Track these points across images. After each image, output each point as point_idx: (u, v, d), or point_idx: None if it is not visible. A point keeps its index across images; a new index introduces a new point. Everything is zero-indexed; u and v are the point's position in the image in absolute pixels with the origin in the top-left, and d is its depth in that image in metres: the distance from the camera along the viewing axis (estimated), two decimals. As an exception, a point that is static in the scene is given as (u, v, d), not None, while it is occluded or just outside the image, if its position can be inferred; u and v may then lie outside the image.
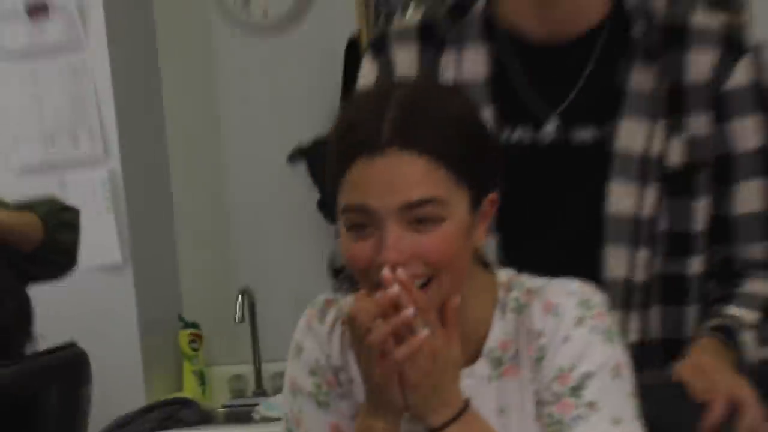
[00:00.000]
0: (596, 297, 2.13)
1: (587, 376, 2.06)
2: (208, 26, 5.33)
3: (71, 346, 4.02)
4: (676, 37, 2.48)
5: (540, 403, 2.11)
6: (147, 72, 5.38)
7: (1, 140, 5.07)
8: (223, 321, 5.28)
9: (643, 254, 2.48)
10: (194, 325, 5.15)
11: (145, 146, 5.33)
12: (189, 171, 5.41)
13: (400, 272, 1.94)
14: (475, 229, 2.09)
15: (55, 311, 4.35)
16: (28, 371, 4.00)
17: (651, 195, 2.48)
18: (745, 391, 2.26)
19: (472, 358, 2.14)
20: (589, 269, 2.39)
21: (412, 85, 2.26)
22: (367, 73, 2.60)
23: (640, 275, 2.48)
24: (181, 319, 5.21)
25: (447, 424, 1.98)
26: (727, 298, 2.50)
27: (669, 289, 2.52)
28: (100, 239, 4.86)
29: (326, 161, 2.12)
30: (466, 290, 2.13)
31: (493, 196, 2.12)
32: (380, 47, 2.59)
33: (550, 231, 2.52)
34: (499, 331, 2.13)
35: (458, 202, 2.07)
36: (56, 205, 4.20)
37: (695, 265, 2.50)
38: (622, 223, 2.49)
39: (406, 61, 2.52)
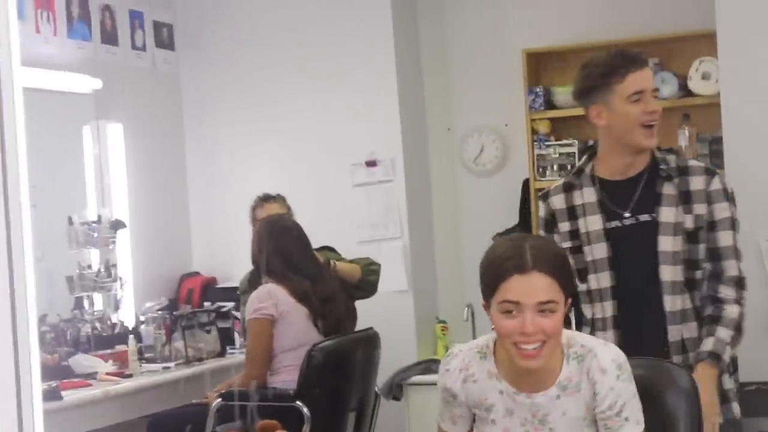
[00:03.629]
0: (624, 360, 2.81)
1: (623, 406, 2.79)
2: (454, 172, 7.06)
3: (370, 329, 5.42)
4: (683, 171, 3.61)
5: (599, 419, 2.81)
6: (423, 193, 6.95)
7: (352, 229, 6.65)
8: (458, 320, 6.69)
9: (678, 268, 3.57)
10: (443, 321, 6.76)
11: (421, 229, 6.91)
12: (442, 242, 7.05)
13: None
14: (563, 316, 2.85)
15: (367, 314, 5.66)
16: (348, 341, 5.25)
17: (678, 241, 3.56)
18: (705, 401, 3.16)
19: (548, 385, 2.82)
20: (653, 277, 3.56)
21: (536, 238, 3.11)
22: (541, 209, 3.78)
23: (678, 278, 3.57)
24: (437, 318, 6.81)
25: None
26: (717, 320, 3.50)
27: (689, 285, 3.57)
28: (397, 275, 6.59)
29: (484, 273, 2.82)
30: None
31: (570, 299, 2.87)
32: (545, 197, 3.74)
33: (636, 259, 3.59)
34: (566, 372, 2.82)
35: (561, 302, 2.79)
36: (369, 261, 5.81)
37: (699, 274, 3.59)
38: (666, 254, 3.56)
39: (558, 201, 3.68)
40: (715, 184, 3.58)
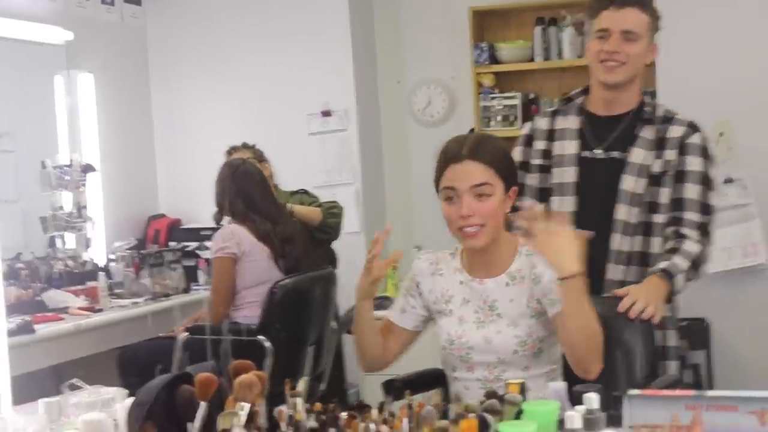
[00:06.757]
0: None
1: (554, 288, 2.73)
2: (403, 122, 6.86)
3: (328, 268, 5.25)
4: (667, 120, 3.38)
5: (543, 295, 2.77)
6: (374, 141, 6.77)
7: (309, 174, 6.37)
8: (407, 261, 6.34)
9: (635, 210, 3.33)
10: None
11: (373, 175, 6.72)
12: (393, 188, 6.86)
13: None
14: (505, 204, 2.81)
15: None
16: (307, 279, 4.99)
17: (641, 183, 3.33)
18: (640, 292, 3.06)
19: (499, 273, 2.87)
20: (609, 213, 3.32)
21: (477, 134, 3.52)
22: (525, 127, 3.62)
23: (632, 219, 3.34)
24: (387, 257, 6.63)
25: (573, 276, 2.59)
26: (675, 251, 3.23)
27: (646, 229, 3.33)
28: (350, 218, 6.07)
29: (436, 167, 2.84)
30: (501, 239, 2.85)
31: (514, 189, 2.86)
32: (532, 118, 3.63)
33: (598, 193, 3.36)
34: (517, 264, 2.86)
35: (498, 188, 2.78)
36: (331, 204, 5.58)
37: (659, 218, 3.34)
38: (626, 193, 3.32)
39: (542, 123, 3.53)
40: (694, 138, 3.34)
